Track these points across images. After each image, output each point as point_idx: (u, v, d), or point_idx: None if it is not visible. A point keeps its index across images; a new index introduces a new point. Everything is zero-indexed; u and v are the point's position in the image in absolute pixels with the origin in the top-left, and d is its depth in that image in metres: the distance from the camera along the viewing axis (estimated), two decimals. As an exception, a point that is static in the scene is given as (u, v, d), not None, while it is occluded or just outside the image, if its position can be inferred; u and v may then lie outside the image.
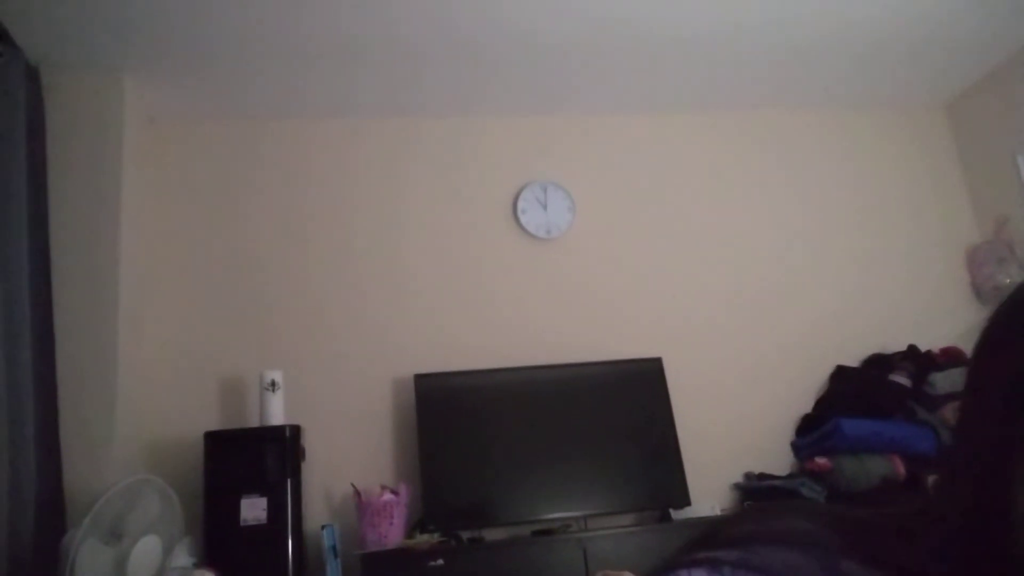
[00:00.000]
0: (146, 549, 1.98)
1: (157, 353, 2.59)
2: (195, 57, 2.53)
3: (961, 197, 3.31)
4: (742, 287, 3.02)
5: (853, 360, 2.95)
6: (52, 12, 2.20)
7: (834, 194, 3.21)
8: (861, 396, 2.77)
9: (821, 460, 2.63)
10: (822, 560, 0.43)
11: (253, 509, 2.28)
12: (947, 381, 2.72)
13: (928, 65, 3.05)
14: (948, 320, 3.05)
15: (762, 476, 2.72)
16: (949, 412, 2.67)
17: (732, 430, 2.83)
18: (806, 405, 2.89)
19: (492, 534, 2.46)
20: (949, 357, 2.86)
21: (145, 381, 2.49)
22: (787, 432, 2.86)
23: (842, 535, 0.45)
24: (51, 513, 2.08)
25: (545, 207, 2.98)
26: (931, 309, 3.08)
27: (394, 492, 2.42)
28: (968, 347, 2.91)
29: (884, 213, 3.21)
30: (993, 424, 0.45)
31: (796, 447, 2.82)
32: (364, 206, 2.89)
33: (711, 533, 0.46)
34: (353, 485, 2.48)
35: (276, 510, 2.29)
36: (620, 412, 2.66)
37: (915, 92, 3.26)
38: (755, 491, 2.68)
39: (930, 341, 2.92)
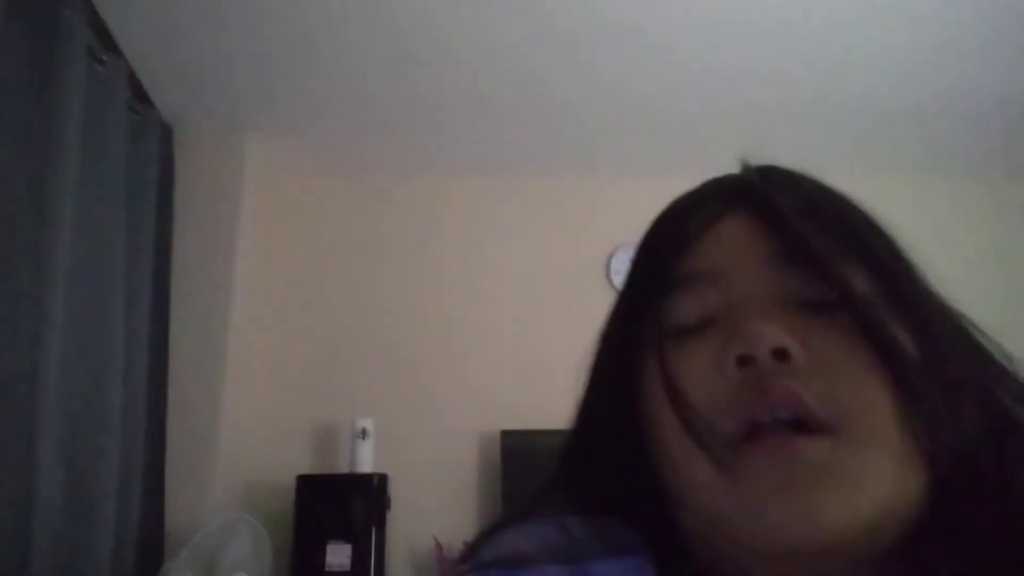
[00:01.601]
0: (236, 586, 2.04)
1: (259, 398, 2.70)
2: (312, 113, 2.68)
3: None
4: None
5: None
6: (185, 73, 2.39)
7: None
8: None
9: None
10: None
11: (338, 555, 2.32)
12: None
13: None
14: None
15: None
16: None
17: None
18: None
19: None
20: None
21: (246, 424, 2.60)
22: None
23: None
24: (152, 546, 2.17)
25: (638, 268, 2.98)
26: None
27: (475, 548, 2.41)
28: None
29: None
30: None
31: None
32: (458, 262, 2.97)
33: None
34: (435, 538, 2.49)
35: (360, 557, 2.32)
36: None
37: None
38: None
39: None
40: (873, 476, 0.39)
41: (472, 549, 0.45)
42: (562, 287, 2.95)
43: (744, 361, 0.41)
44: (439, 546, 2.48)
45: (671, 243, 0.49)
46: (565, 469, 0.53)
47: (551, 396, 3.10)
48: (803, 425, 0.39)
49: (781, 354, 0.40)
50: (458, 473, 2.69)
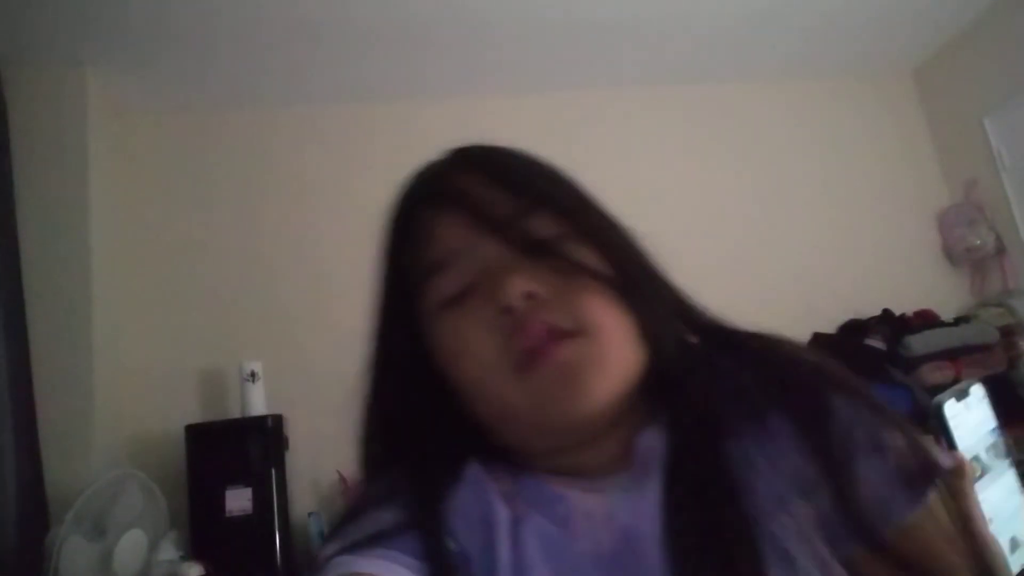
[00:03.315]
0: (131, 543, 1.98)
1: (134, 347, 2.57)
2: (158, 46, 2.48)
3: (930, 161, 3.34)
4: (715, 260, 3.03)
5: (829, 326, 2.99)
6: (9, 6, 2.16)
7: (802, 164, 3.23)
8: (838, 362, 2.80)
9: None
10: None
11: (238, 500, 2.28)
12: (921, 343, 2.76)
13: (894, 30, 3.07)
14: (921, 283, 3.09)
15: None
16: (925, 373, 2.71)
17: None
18: (784, 373, 2.92)
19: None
20: (923, 320, 2.90)
21: (123, 375, 2.48)
22: (767, 400, 2.89)
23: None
24: (33, 512, 2.06)
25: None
26: (904, 273, 3.12)
27: (379, 476, 2.42)
28: (941, 310, 2.93)
29: (853, 181, 3.23)
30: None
31: (776, 415, 2.85)
32: (329, 194, 2.88)
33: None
34: (339, 472, 2.49)
35: (261, 500, 2.29)
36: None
37: (881, 58, 3.28)
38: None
39: (904, 305, 2.96)
40: (614, 355, 0.56)
41: (331, 536, 0.57)
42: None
43: (506, 311, 0.56)
44: (343, 479, 2.48)
45: (411, 249, 0.62)
46: (378, 440, 0.67)
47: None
48: (558, 336, 0.55)
49: (530, 296, 0.56)
50: (355, 406, 2.67)
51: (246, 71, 2.71)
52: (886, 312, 2.94)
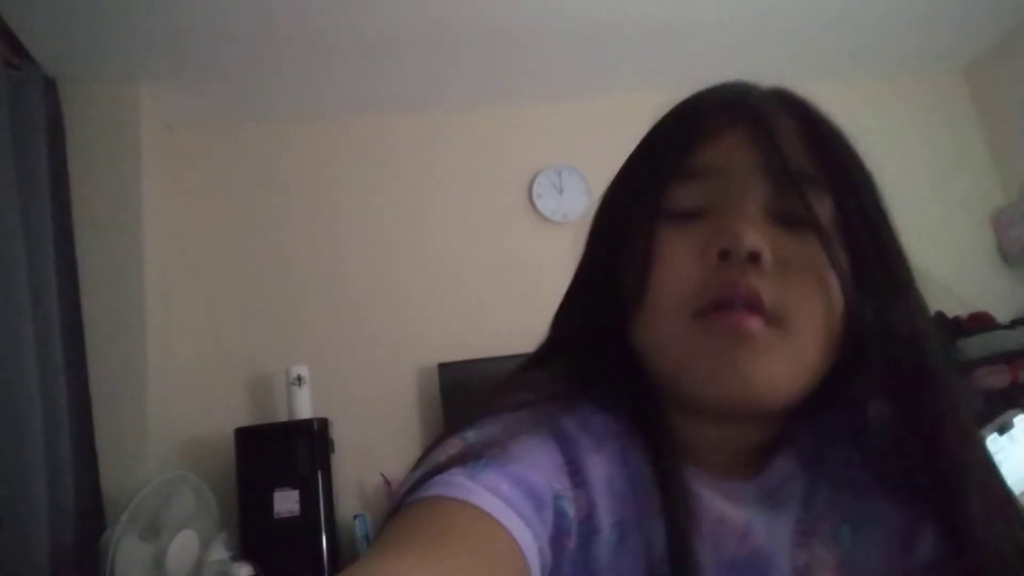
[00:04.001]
0: (184, 544, 2.03)
1: (186, 353, 2.64)
2: (210, 61, 2.55)
3: (984, 160, 3.25)
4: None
5: (879, 330, 2.92)
6: (67, 25, 2.23)
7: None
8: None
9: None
10: (547, 421, 0.53)
11: (286, 502, 2.32)
12: (977, 346, 2.68)
13: (944, 29, 2.99)
14: (975, 285, 2.99)
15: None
16: (980, 377, 2.63)
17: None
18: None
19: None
20: (978, 322, 2.81)
21: (176, 380, 2.55)
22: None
23: (555, 400, 0.55)
24: (90, 514, 2.13)
25: (561, 191, 2.98)
26: (958, 275, 3.03)
27: (423, 480, 2.44)
28: (997, 312, 2.82)
29: (905, 181, 3.13)
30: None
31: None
32: (360, 204, 2.92)
33: (457, 428, 0.53)
34: (383, 475, 2.51)
35: (308, 502, 2.33)
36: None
37: (931, 57, 3.20)
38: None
39: (958, 307, 2.88)
40: (796, 361, 0.51)
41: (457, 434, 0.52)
42: (486, 217, 2.94)
43: (724, 255, 0.51)
44: (387, 482, 2.51)
45: (681, 139, 0.56)
46: (550, 347, 0.62)
47: (484, 325, 3.15)
48: (757, 312, 0.50)
49: (754, 256, 0.50)
50: (399, 409, 2.70)
51: (303, 85, 2.77)
52: (939, 315, 2.86)
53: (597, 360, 0.58)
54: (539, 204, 2.95)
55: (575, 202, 2.96)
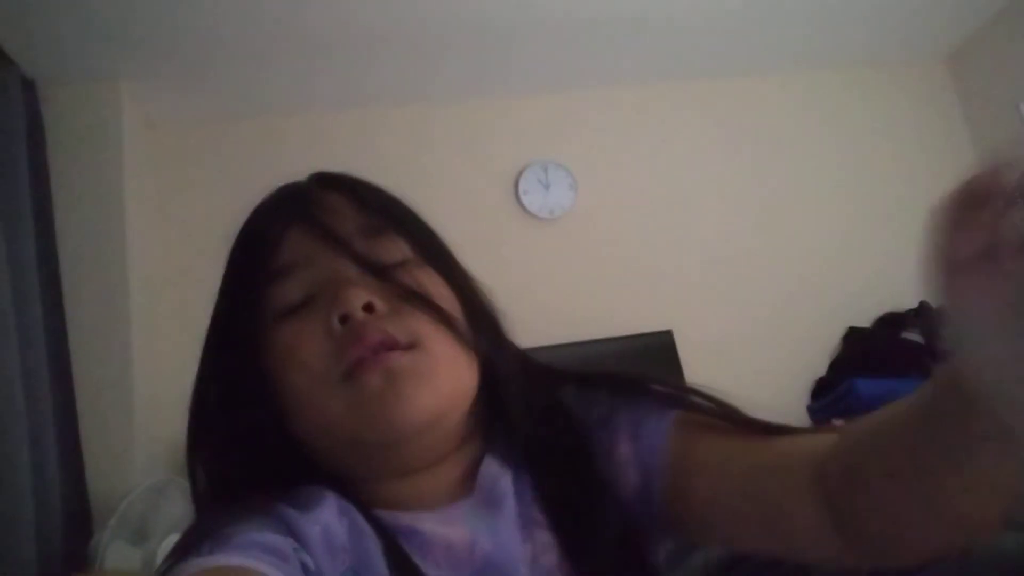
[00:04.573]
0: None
1: (172, 354, 2.62)
2: (190, 59, 2.53)
3: (966, 149, 3.27)
4: (749, 254, 3.01)
5: (865, 320, 2.94)
6: (45, 25, 2.21)
7: (835, 154, 3.18)
8: (875, 356, 2.75)
9: (837, 422, 2.63)
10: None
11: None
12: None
13: (926, 18, 3.01)
14: (959, 274, 3.02)
15: (779, 441, 2.72)
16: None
17: (746, 397, 2.81)
18: (820, 369, 2.88)
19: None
20: (961, 311, 2.84)
21: (162, 382, 2.52)
22: (802, 397, 2.86)
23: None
24: (77, 518, 2.11)
25: (547, 187, 2.98)
26: (941, 264, 3.05)
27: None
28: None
29: (887, 171, 3.17)
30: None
31: (812, 411, 2.82)
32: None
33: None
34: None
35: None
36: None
37: (914, 46, 3.22)
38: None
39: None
40: (444, 373, 0.57)
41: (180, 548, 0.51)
42: (471, 212, 2.93)
43: (344, 319, 0.56)
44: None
45: (261, 247, 0.62)
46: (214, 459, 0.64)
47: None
48: (394, 347, 0.55)
49: (369, 307, 0.56)
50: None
51: (287, 81, 2.75)
52: (924, 304, 2.88)
53: (280, 474, 0.59)
54: (525, 200, 2.95)
55: (561, 198, 2.95)
